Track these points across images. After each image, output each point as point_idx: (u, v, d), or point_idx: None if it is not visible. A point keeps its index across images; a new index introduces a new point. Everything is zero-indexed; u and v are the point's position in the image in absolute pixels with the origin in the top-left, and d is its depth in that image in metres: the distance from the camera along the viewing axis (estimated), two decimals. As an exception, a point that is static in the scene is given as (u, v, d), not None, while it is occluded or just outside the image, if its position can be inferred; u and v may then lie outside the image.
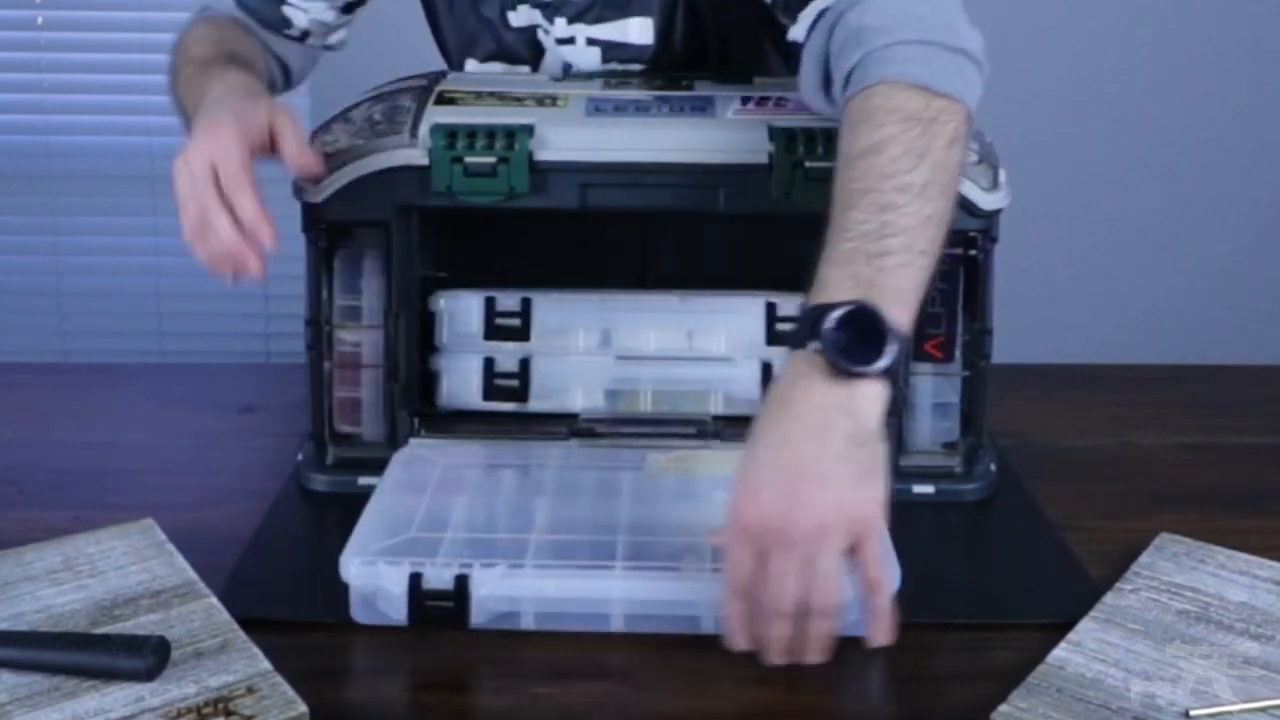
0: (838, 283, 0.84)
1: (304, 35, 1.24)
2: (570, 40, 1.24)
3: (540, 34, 1.25)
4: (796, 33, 1.03)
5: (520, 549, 0.93)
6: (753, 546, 0.80)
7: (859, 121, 0.90)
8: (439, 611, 0.88)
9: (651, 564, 0.91)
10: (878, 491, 0.81)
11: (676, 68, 1.24)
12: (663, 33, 1.24)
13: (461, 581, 0.88)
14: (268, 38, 1.23)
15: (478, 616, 0.89)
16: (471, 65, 1.29)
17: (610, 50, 1.24)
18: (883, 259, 0.84)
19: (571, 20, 1.23)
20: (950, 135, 0.89)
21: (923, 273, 0.85)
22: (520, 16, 1.25)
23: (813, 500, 0.79)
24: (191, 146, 0.97)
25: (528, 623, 0.89)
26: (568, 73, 1.24)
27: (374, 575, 0.89)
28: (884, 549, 0.85)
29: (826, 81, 1.00)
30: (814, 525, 0.79)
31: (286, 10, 1.21)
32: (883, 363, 0.80)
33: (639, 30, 1.23)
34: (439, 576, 0.88)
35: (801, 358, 0.82)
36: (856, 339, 0.81)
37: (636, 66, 1.25)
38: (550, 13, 1.23)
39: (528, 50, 1.26)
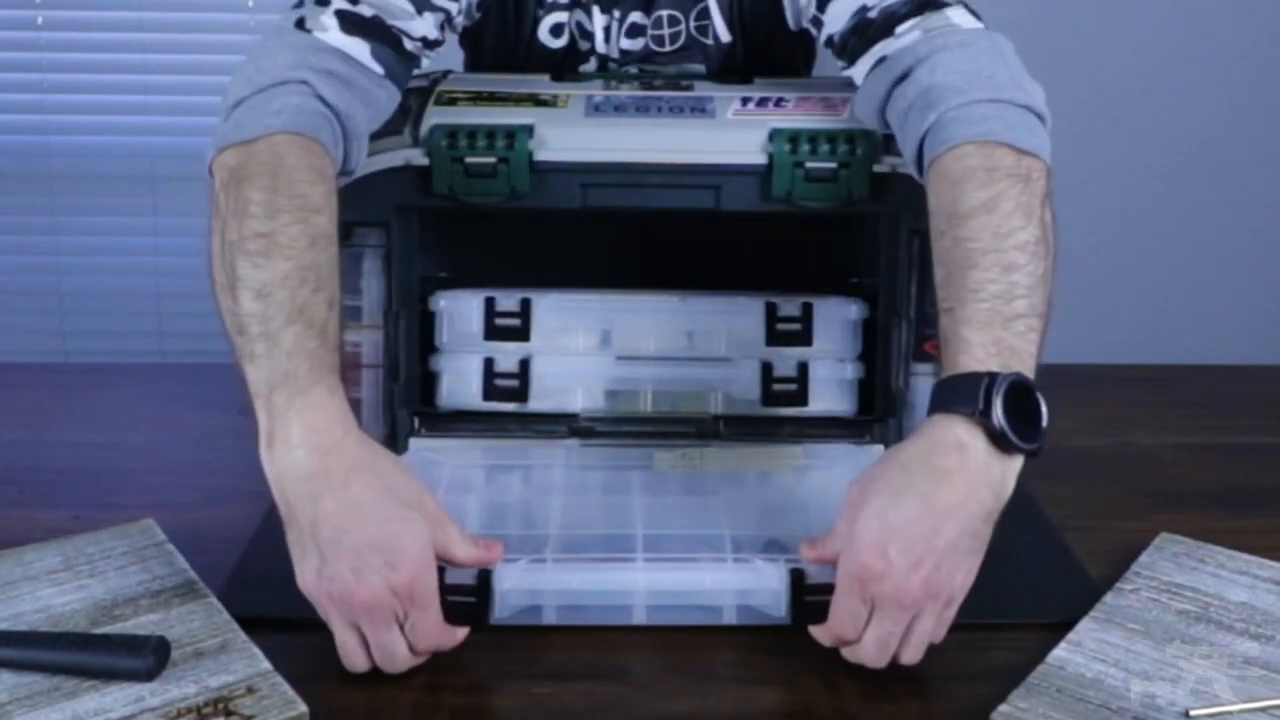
0: (982, 346, 0.84)
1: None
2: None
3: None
4: (855, 74, 1.03)
5: (539, 544, 0.93)
6: (863, 597, 0.81)
7: (960, 179, 0.90)
8: (461, 607, 0.87)
9: (673, 555, 0.91)
10: (978, 564, 0.83)
11: None
12: (717, 70, 1.25)
13: (484, 576, 0.88)
14: (380, 105, 1.04)
15: (500, 611, 0.89)
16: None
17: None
18: (1015, 323, 0.85)
19: (624, 65, 1.25)
20: (1043, 192, 0.91)
21: (1042, 336, 0.87)
22: (586, 68, 1.27)
23: (936, 575, 0.81)
24: (365, 597, 0.81)
25: (550, 617, 0.90)
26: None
27: None
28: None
29: (883, 123, 1.01)
30: (928, 595, 0.81)
31: (414, 72, 1.10)
32: (1040, 441, 0.83)
33: (689, 71, 1.24)
34: (461, 573, 0.88)
35: (960, 424, 0.82)
36: (1015, 413, 0.82)
37: None
38: (614, 63, 1.25)
39: None
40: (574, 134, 1.07)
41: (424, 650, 0.85)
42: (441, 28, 1.11)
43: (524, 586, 0.89)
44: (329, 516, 0.82)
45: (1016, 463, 0.83)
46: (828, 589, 0.84)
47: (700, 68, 1.25)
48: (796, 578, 0.88)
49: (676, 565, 0.91)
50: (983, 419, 0.81)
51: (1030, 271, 0.87)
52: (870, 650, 0.83)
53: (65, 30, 2.63)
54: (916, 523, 0.80)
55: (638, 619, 0.89)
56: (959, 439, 0.82)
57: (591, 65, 1.26)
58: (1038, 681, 0.83)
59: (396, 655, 0.84)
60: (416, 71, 1.14)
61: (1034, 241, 0.88)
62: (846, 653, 0.85)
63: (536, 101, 1.11)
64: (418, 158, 1.06)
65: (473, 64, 1.36)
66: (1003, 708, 0.80)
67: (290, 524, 0.84)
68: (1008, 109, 0.93)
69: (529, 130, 1.05)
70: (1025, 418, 0.82)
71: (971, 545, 0.82)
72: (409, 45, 1.06)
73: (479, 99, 1.11)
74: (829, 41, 1.06)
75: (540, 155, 1.05)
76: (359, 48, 1.01)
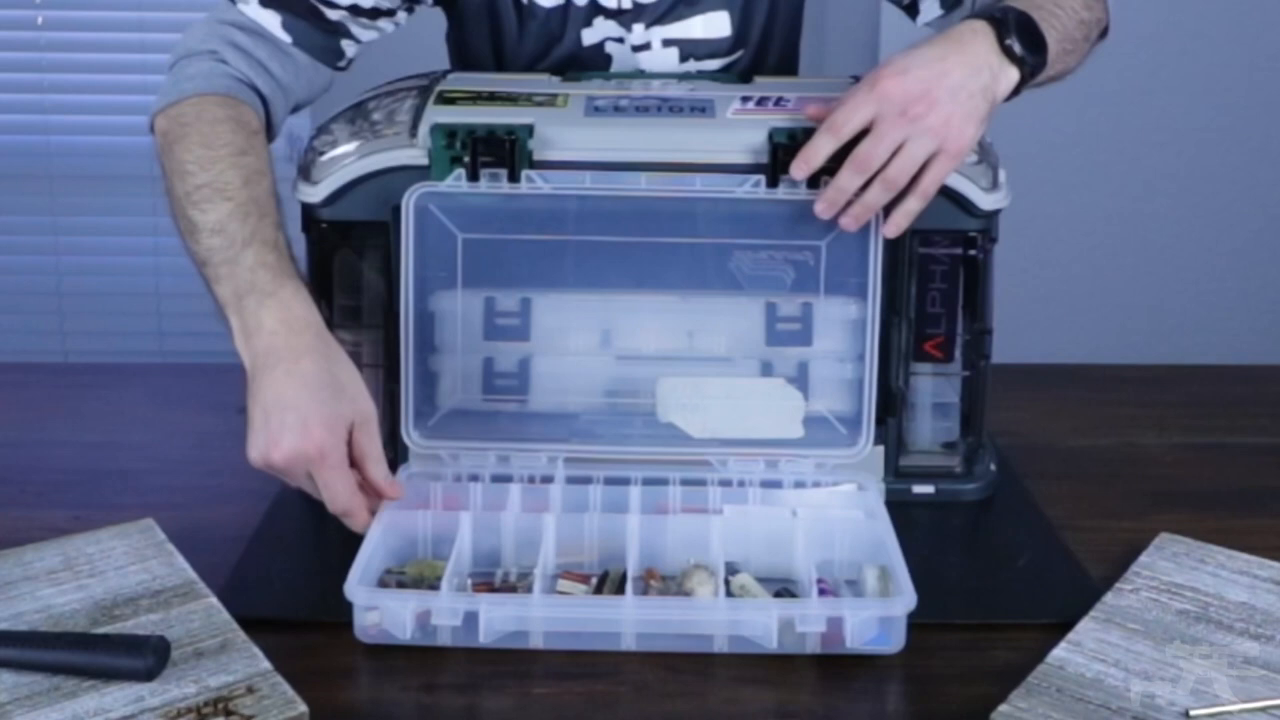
0: (1010, 3, 1.04)
1: (346, 67, 1.20)
2: (646, 46, 1.26)
3: (609, 44, 1.27)
4: None
5: (527, 574, 0.94)
6: (873, 109, 0.98)
7: None
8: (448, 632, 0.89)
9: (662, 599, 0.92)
10: (976, 134, 1.00)
11: (753, 61, 1.30)
12: (740, 23, 1.27)
13: (470, 617, 0.88)
14: (278, 73, 1.13)
15: (486, 637, 0.89)
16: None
17: (687, 48, 1.27)
18: (1041, 22, 1.04)
19: (649, 25, 1.25)
20: (1097, 23, 1.16)
21: (1055, 57, 1.05)
22: (594, 32, 1.27)
23: (939, 100, 0.97)
24: (280, 453, 0.94)
25: (536, 642, 0.89)
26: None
27: (380, 610, 0.89)
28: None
29: None
30: (924, 114, 0.97)
31: (344, 43, 1.17)
32: (1033, 59, 1.01)
33: (713, 25, 1.27)
34: (448, 611, 0.88)
35: (979, 24, 1.02)
36: (1024, 42, 1.02)
37: (715, 63, 1.27)
38: (629, 19, 1.25)
39: (599, 64, 1.28)
40: (574, 134, 1.07)
41: (337, 509, 0.96)
42: None
43: (510, 615, 0.89)
44: (276, 382, 0.95)
45: (1010, 69, 1.01)
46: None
47: (721, 14, 1.26)
48: (785, 619, 0.88)
49: (665, 603, 0.91)
50: (998, 23, 1.01)
51: (1070, 15, 1.08)
52: (855, 162, 0.98)
53: (65, 30, 2.63)
54: (932, 63, 0.98)
55: (626, 646, 0.89)
56: (976, 29, 1.01)
57: (597, 31, 1.26)
58: (1038, 681, 0.83)
59: (333, 500, 0.96)
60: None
61: (1080, 30, 1.10)
62: (831, 191, 1.00)
63: (536, 101, 1.11)
64: (417, 158, 1.06)
65: (457, 42, 1.35)
66: (1003, 708, 0.80)
67: (251, 399, 0.96)
68: None
69: (529, 130, 1.05)
70: (1031, 49, 1.02)
71: (970, 107, 0.98)
72: (334, 15, 1.15)
73: (479, 99, 1.11)
74: None
75: (540, 155, 1.05)
76: (270, 19, 1.13)
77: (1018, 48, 1.01)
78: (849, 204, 1.01)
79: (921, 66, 0.99)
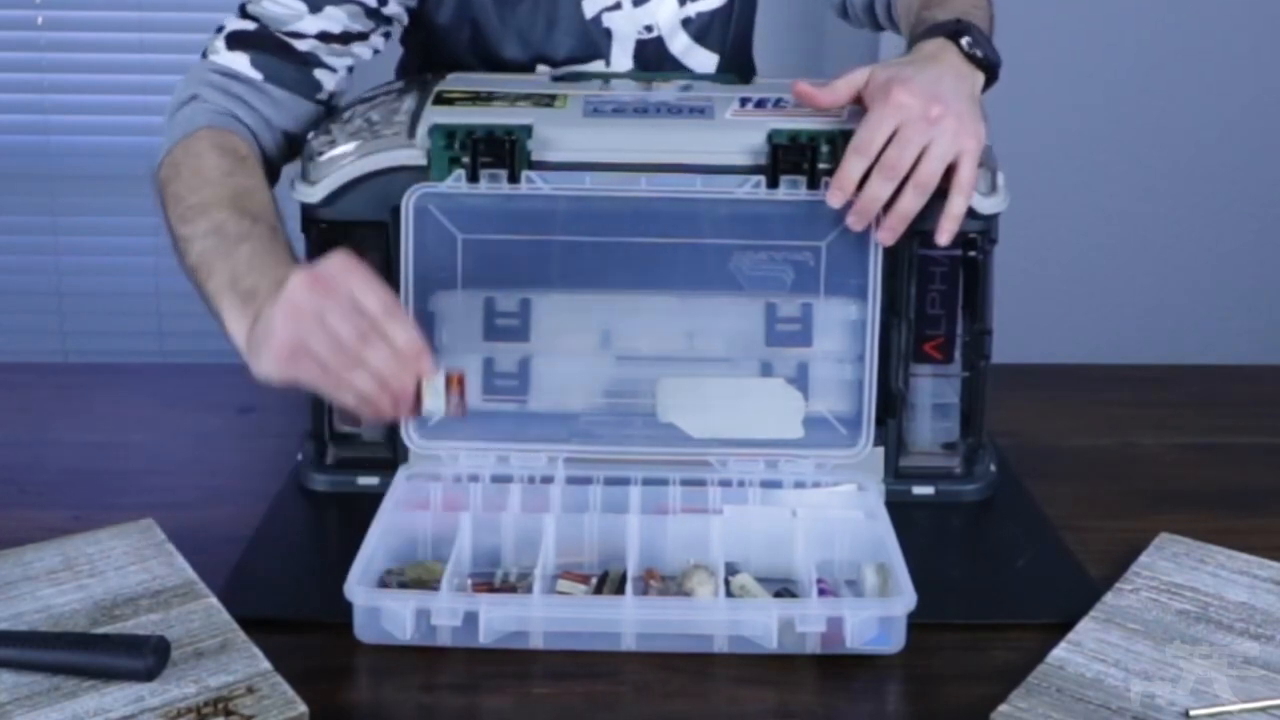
0: (951, 14, 1.10)
1: (329, 99, 1.18)
2: None
3: (606, 15, 1.27)
4: None
5: (527, 575, 0.94)
6: (895, 119, 0.99)
7: None
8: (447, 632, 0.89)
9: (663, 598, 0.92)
10: (982, 131, 1.02)
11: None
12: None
13: (470, 617, 0.88)
14: (258, 106, 1.14)
15: (486, 637, 0.89)
16: (543, 70, 1.28)
17: None
18: (975, 25, 1.09)
19: None
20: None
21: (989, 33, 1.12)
22: (591, 4, 1.27)
23: (949, 101, 1.00)
24: (320, 277, 0.90)
25: (536, 642, 0.90)
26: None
27: (380, 609, 0.89)
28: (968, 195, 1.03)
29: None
30: (943, 115, 0.99)
31: (318, 74, 1.16)
32: (995, 59, 1.07)
33: None
34: (448, 611, 0.88)
35: (942, 42, 1.07)
36: (977, 41, 1.07)
37: (711, 2, 1.32)
38: None
39: (602, 41, 1.29)
40: (573, 134, 1.07)
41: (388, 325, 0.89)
42: (367, 16, 1.17)
43: (510, 615, 0.89)
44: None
45: (979, 76, 1.06)
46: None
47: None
48: (785, 619, 0.88)
49: (666, 603, 0.91)
50: (953, 35, 1.06)
51: (981, 13, 1.14)
52: (884, 169, 0.99)
53: (65, 30, 2.63)
54: (925, 70, 1.02)
55: (626, 646, 0.89)
56: (944, 45, 1.06)
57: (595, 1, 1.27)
58: (1038, 681, 0.83)
59: (370, 358, 0.89)
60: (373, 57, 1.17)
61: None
62: (863, 202, 1.01)
63: (535, 101, 1.11)
64: (416, 158, 1.06)
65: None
66: (1003, 708, 0.81)
67: (257, 322, 0.92)
68: None
69: (528, 130, 1.05)
70: (989, 51, 1.07)
71: (969, 107, 1.02)
72: (303, 46, 1.15)
73: (478, 99, 1.11)
74: None
75: (539, 156, 1.05)
76: (239, 60, 1.14)
77: (980, 53, 1.06)
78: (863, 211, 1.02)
79: (919, 74, 1.02)
